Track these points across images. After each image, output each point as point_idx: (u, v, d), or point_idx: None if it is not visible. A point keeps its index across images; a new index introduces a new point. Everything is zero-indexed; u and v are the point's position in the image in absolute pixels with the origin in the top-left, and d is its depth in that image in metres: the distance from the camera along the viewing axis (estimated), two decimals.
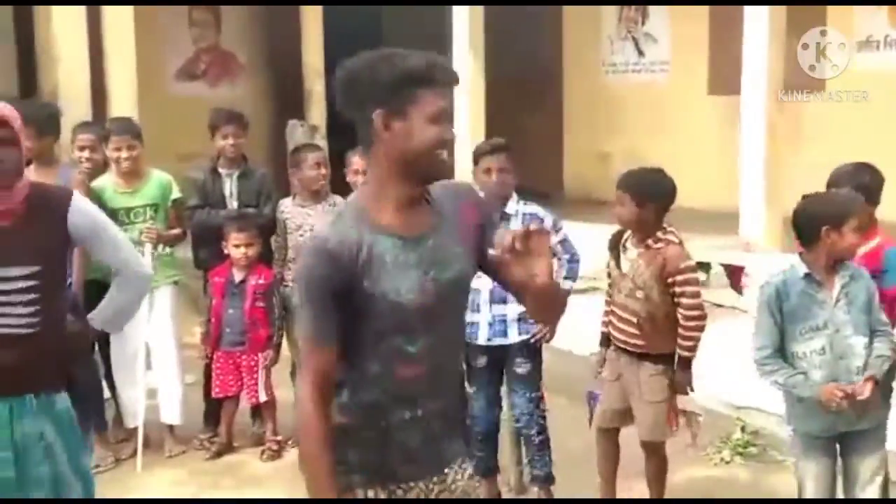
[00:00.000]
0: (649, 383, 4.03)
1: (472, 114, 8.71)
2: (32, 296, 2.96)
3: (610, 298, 4.18)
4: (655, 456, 4.17)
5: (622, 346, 4.11)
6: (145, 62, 8.06)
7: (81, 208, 3.11)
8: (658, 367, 4.01)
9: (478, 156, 4.31)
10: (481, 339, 4.28)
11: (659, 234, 3.97)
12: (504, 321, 4.27)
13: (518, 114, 10.40)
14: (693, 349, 3.97)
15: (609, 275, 4.20)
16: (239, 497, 4.67)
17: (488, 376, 4.37)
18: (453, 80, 2.32)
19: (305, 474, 2.30)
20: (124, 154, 5.03)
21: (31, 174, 4.93)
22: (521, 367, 4.31)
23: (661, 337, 3.99)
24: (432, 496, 2.43)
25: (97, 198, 4.88)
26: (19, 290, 2.94)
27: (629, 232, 4.09)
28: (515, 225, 4.19)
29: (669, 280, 3.92)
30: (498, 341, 4.29)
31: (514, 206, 4.28)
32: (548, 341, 4.34)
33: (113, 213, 4.85)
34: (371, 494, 2.38)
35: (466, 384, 4.39)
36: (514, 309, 4.23)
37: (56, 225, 3.02)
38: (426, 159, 2.27)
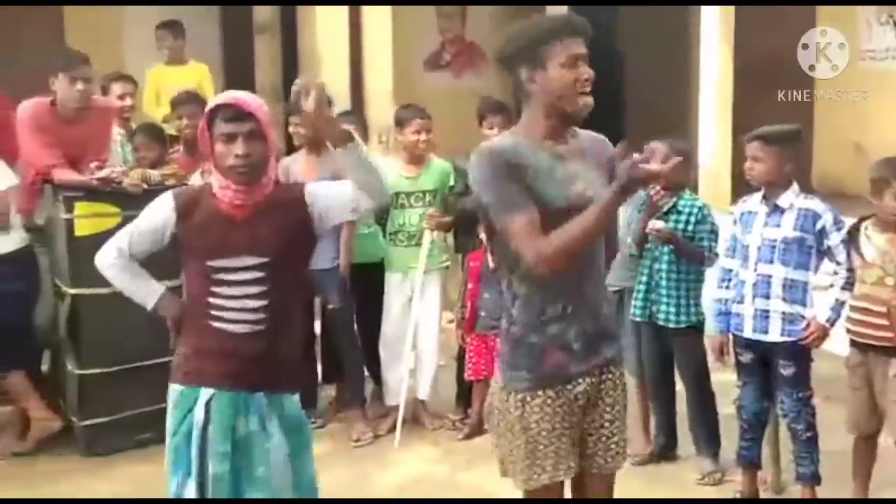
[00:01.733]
0: None
1: (719, 99, 8.51)
2: (262, 288, 2.94)
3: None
4: None
5: (868, 341, 3.98)
6: (398, 54, 8.35)
7: (314, 187, 3.06)
8: None
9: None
10: (746, 332, 4.22)
11: None
12: (766, 317, 4.17)
13: (765, 104, 10.05)
14: None
15: (836, 275, 4.12)
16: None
17: (757, 370, 4.31)
18: (582, 30, 2.73)
19: (593, 226, 2.62)
20: (423, 137, 5.27)
21: (302, 157, 5.30)
22: (786, 370, 4.20)
23: None
24: (590, 400, 2.86)
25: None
26: (248, 281, 2.92)
27: (869, 221, 4.00)
28: (788, 219, 4.12)
29: None
30: (758, 337, 4.21)
31: (792, 198, 4.18)
32: (816, 347, 4.20)
33: (395, 196, 5.18)
34: (540, 396, 2.79)
35: (735, 377, 4.40)
36: (777, 305, 4.13)
37: (292, 214, 2.97)
38: (567, 101, 2.72)
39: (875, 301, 3.93)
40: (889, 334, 3.89)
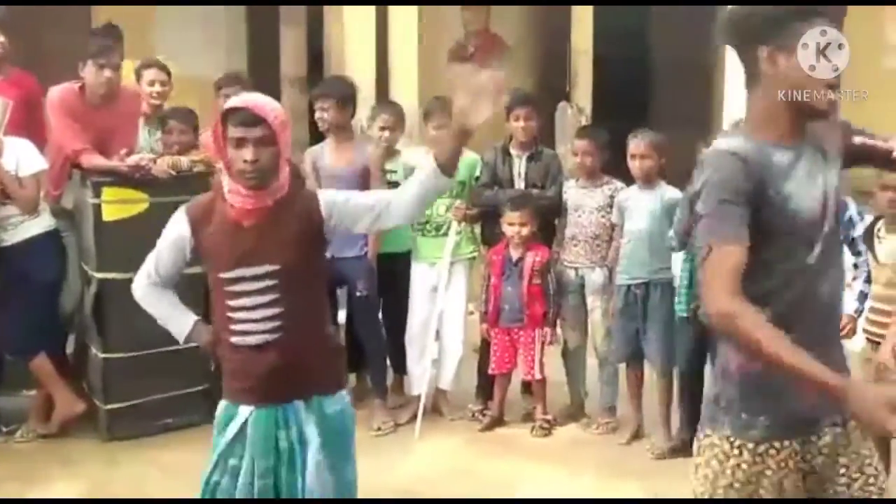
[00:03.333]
0: None
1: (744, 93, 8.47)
2: (274, 296, 2.88)
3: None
4: None
5: (881, 340, 3.98)
6: (422, 46, 8.35)
7: (328, 194, 3.03)
8: None
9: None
10: None
11: None
12: None
13: None
14: None
15: (857, 268, 4.15)
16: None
17: None
18: (840, 11, 2.33)
19: (793, 369, 2.08)
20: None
21: (330, 145, 5.32)
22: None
23: None
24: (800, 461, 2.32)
25: (411, 170, 5.19)
26: (260, 290, 2.87)
27: (881, 221, 4.01)
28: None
29: None
30: None
31: None
32: (847, 338, 4.16)
33: None
34: (776, 447, 2.30)
35: None
36: None
37: (306, 219, 2.92)
38: (812, 94, 2.30)
39: (888, 301, 3.95)
40: None
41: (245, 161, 2.80)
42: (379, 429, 5.21)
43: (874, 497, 2.34)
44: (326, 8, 8.48)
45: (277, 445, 2.93)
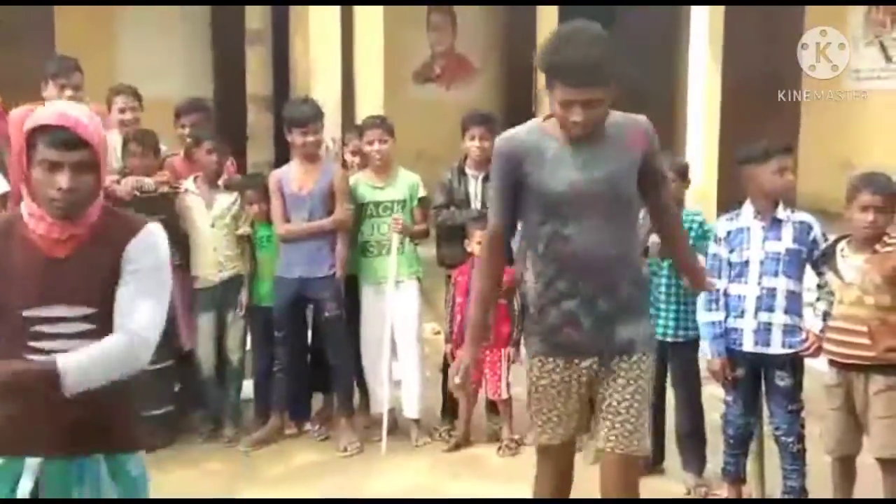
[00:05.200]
0: (881, 397, 3.94)
1: (707, 117, 8.58)
2: (85, 341, 2.42)
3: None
4: (893, 474, 4.00)
5: (847, 360, 4.03)
6: (388, 66, 8.39)
7: (149, 243, 2.52)
8: (891, 378, 3.92)
9: (769, 154, 4.26)
10: (746, 346, 4.26)
11: (885, 238, 3.98)
12: (769, 329, 4.22)
13: (752, 119, 10.13)
14: None
15: (821, 288, 4.17)
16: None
17: (749, 383, 4.35)
18: (575, 81, 2.92)
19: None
20: (376, 147, 5.30)
21: (295, 166, 5.31)
22: (782, 381, 4.25)
23: (894, 344, 3.90)
24: (600, 376, 3.16)
25: (352, 192, 5.25)
26: (69, 334, 2.43)
27: (844, 241, 4.08)
28: (787, 232, 4.21)
29: None
30: (759, 350, 4.25)
31: (784, 211, 4.26)
32: (814, 356, 4.25)
33: (363, 207, 5.26)
34: (550, 363, 3.19)
35: (722, 391, 4.42)
36: (780, 318, 4.20)
37: (114, 257, 2.48)
38: (566, 123, 3.02)
39: (855, 321, 3.98)
40: (870, 353, 3.94)
41: (60, 189, 2.39)
42: (345, 449, 5.20)
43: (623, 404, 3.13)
44: (292, 27, 8.50)
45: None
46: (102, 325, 2.46)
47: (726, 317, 4.30)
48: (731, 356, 4.31)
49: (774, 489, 4.43)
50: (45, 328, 2.45)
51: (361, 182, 5.38)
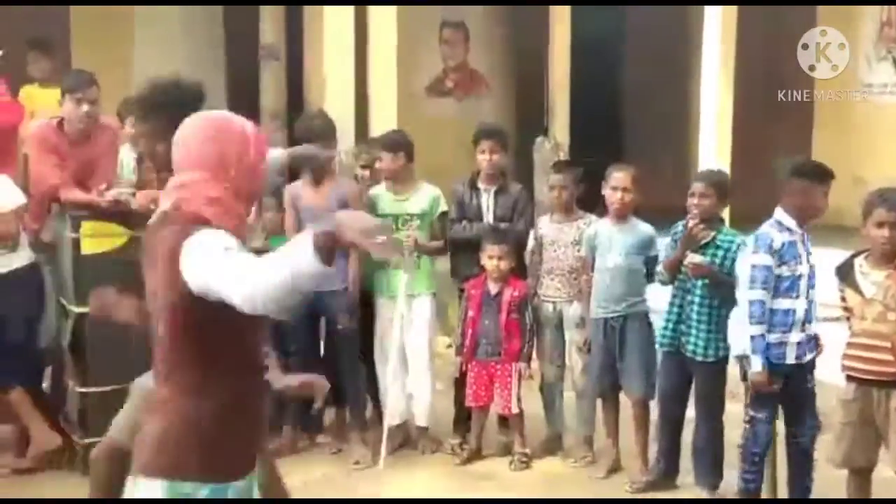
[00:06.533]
0: None
1: (719, 130, 8.58)
2: None
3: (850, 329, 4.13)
4: None
5: (870, 377, 4.02)
6: (401, 81, 8.43)
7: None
8: None
9: (828, 176, 4.33)
10: (789, 359, 4.31)
11: None
12: (809, 341, 4.36)
13: (764, 132, 10.15)
14: None
15: (845, 306, 4.16)
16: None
17: (775, 399, 4.39)
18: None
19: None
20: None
21: (308, 182, 5.34)
22: (811, 384, 4.40)
23: None
24: None
25: (373, 204, 5.27)
26: None
27: (861, 257, 4.08)
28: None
29: None
30: (798, 361, 4.34)
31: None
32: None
33: (383, 218, 5.22)
34: None
35: (753, 408, 4.42)
36: (813, 328, 4.37)
37: None
38: None
39: (877, 336, 3.99)
40: (894, 369, 3.95)
41: None
42: (357, 462, 5.22)
43: None
44: (306, 41, 8.54)
45: None
46: None
47: (769, 330, 4.28)
48: (771, 370, 4.28)
49: None
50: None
51: (385, 194, 5.43)
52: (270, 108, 8.56)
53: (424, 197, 5.42)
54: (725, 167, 8.43)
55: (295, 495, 4.83)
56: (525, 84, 10.98)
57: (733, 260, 4.55)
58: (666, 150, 11.00)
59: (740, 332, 4.34)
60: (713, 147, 8.45)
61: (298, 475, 5.12)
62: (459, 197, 5.46)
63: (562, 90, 9.95)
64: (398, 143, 5.45)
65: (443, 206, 5.44)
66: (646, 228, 4.99)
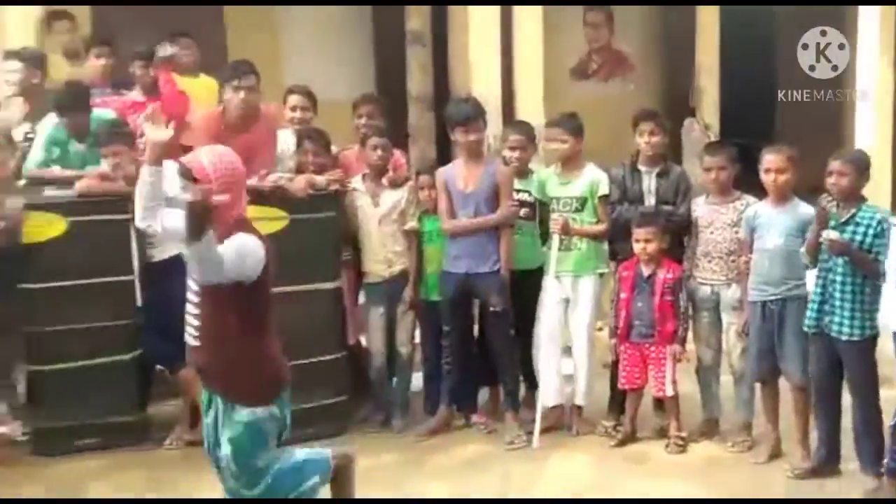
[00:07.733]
0: None
1: (880, 120, 8.23)
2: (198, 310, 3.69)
3: None
4: None
5: None
6: (547, 64, 8.40)
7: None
8: None
9: None
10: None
11: None
12: None
13: None
14: None
15: None
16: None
17: None
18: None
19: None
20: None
21: (459, 165, 5.39)
22: None
23: None
24: None
25: (542, 185, 5.46)
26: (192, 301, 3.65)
27: None
28: None
29: None
30: None
31: None
32: None
33: (549, 202, 5.45)
34: None
35: None
36: None
37: None
38: None
39: None
40: None
41: None
42: (512, 442, 5.25)
43: None
44: (451, 27, 8.60)
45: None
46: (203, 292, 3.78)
47: None
48: None
49: None
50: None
51: (552, 177, 5.48)
52: (416, 92, 8.64)
53: (586, 181, 5.40)
54: (886, 146, 8.11)
55: (448, 474, 4.94)
56: (671, 66, 10.79)
57: (875, 236, 4.43)
58: (818, 130, 10.62)
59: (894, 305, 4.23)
60: (872, 126, 8.11)
61: (453, 454, 5.22)
62: (620, 180, 5.42)
63: (710, 73, 9.74)
64: (579, 127, 5.46)
65: (603, 189, 5.40)
66: (806, 210, 4.85)
